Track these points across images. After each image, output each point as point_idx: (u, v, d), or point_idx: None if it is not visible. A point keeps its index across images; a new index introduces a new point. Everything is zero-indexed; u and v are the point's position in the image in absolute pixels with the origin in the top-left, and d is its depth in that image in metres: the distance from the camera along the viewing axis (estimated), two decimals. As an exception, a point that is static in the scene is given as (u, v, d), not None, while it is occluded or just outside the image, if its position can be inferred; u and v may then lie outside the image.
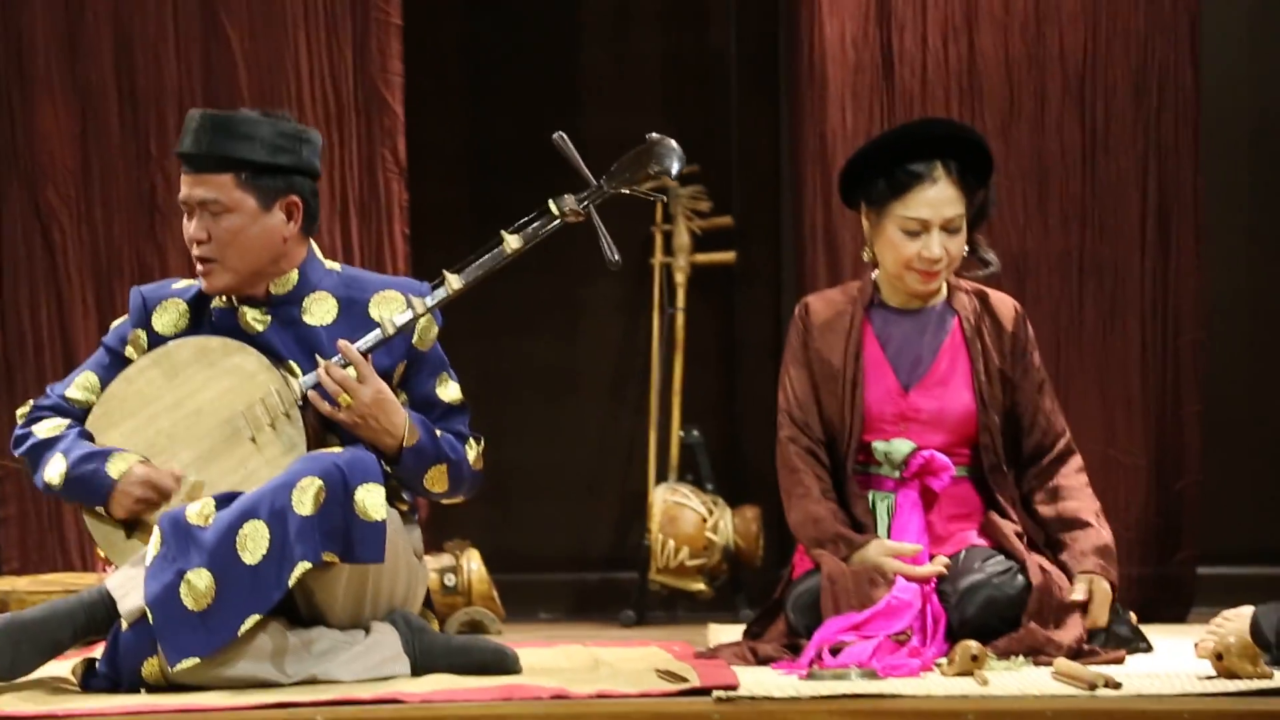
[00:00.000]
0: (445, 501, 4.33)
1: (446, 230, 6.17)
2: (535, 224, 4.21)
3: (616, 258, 4.17)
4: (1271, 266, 6.30)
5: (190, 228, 4.19)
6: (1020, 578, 4.35)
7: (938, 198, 4.44)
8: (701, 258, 6.25)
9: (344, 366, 4.11)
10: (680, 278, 6.21)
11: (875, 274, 4.62)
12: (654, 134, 4.25)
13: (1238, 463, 6.24)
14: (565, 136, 4.21)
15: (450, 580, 5.53)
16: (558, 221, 4.21)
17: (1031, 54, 5.80)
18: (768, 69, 6.31)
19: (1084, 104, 5.80)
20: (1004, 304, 4.62)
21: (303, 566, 3.91)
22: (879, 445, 4.50)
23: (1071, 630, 4.33)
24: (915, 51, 5.79)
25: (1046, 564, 4.40)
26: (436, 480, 4.20)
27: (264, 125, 4.17)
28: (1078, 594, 4.39)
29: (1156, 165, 5.79)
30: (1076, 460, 4.60)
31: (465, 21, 6.36)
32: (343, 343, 4.12)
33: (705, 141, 6.19)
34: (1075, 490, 4.56)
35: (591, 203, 4.21)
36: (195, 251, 4.20)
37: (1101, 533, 4.51)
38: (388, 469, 4.14)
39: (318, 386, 4.11)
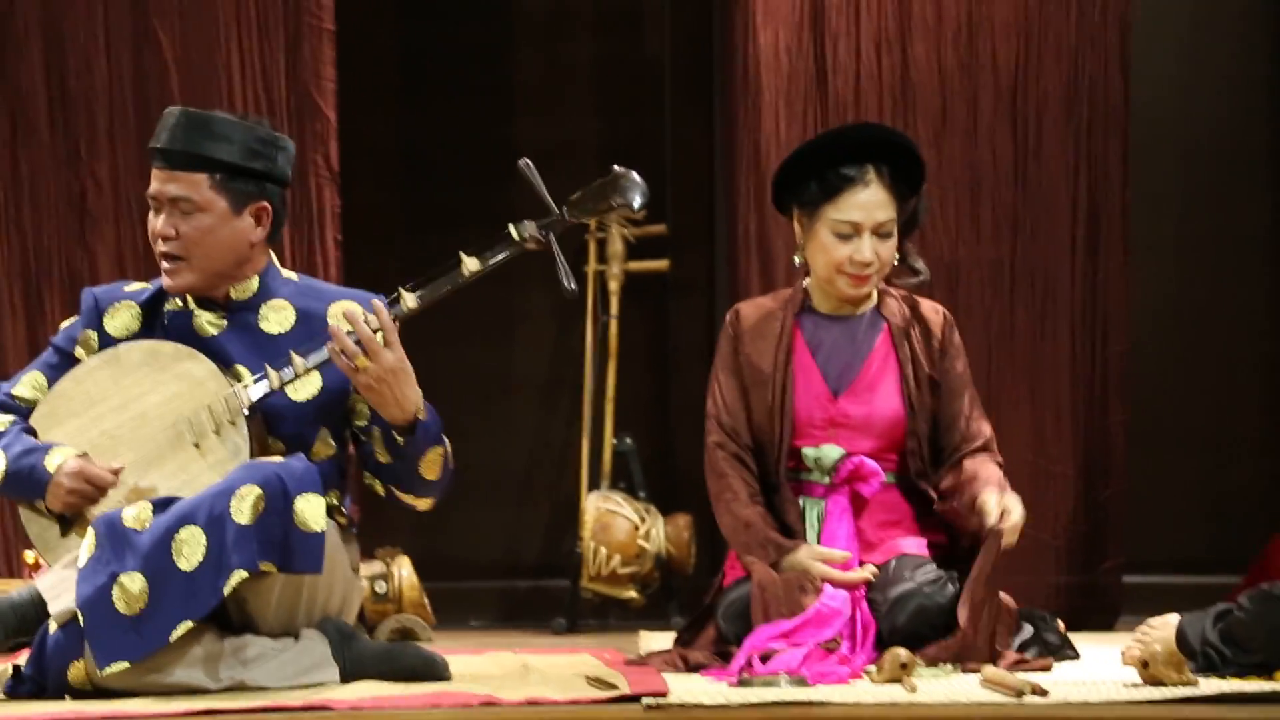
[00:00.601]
0: (421, 503, 4.28)
1: (379, 236, 6.15)
2: (495, 248, 4.20)
3: (573, 286, 4.18)
4: (1198, 276, 6.35)
5: (157, 223, 4.17)
6: (950, 587, 4.36)
7: (870, 201, 4.46)
8: (635, 265, 6.25)
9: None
10: (614, 285, 6.21)
11: (806, 281, 4.63)
12: (618, 166, 4.26)
13: (1163, 472, 6.29)
14: (530, 163, 4.21)
15: (381, 587, 5.52)
16: (517, 247, 4.20)
17: (964, 64, 5.83)
18: (702, 76, 6.32)
19: (1016, 114, 5.83)
20: (933, 312, 4.64)
21: (239, 575, 3.89)
22: (809, 451, 4.52)
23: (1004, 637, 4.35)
24: (849, 60, 5.81)
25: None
26: (431, 465, 4.18)
27: (241, 129, 4.18)
28: (990, 515, 4.32)
29: (1087, 175, 5.83)
30: (991, 454, 4.57)
31: (398, 26, 6.35)
32: (376, 302, 4.09)
33: (639, 148, 6.20)
34: (978, 463, 4.53)
35: (552, 231, 4.21)
36: (161, 248, 4.18)
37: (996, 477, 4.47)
38: (382, 458, 4.13)
39: (350, 335, 4.03)
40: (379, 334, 4.04)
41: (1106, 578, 5.79)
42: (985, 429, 4.60)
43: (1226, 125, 6.35)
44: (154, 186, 4.18)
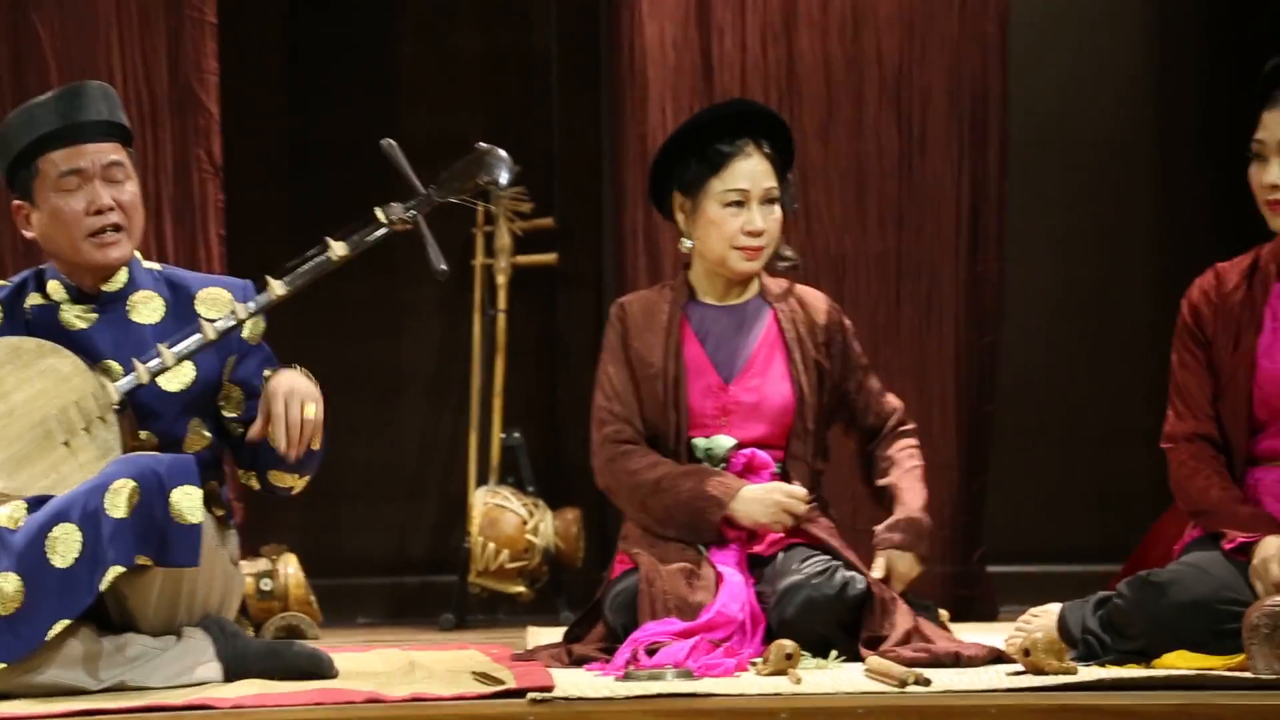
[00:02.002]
0: (298, 484, 4.24)
1: (263, 232, 6.11)
2: (362, 232, 4.17)
3: (444, 267, 4.16)
4: (1084, 269, 6.41)
5: (102, 196, 4.09)
6: (838, 576, 4.37)
7: (755, 170, 4.51)
8: (523, 259, 6.24)
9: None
10: (501, 279, 6.20)
11: (689, 273, 4.64)
12: (483, 144, 4.24)
13: (1048, 462, 6.35)
14: (394, 144, 4.19)
15: (266, 585, 5.48)
16: (385, 230, 4.18)
17: (849, 57, 5.86)
18: (589, 70, 6.32)
19: (900, 107, 5.87)
20: (816, 297, 4.67)
21: (115, 570, 3.85)
22: (699, 443, 4.52)
23: (901, 622, 4.38)
24: (734, 54, 5.83)
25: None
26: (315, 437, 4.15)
27: (120, 103, 4.17)
28: (876, 570, 4.42)
29: (969, 169, 5.87)
30: (908, 433, 4.65)
31: (283, 20, 6.31)
32: (271, 281, 4.05)
33: (526, 142, 6.18)
34: (897, 462, 4.59)
35: (419, 212, 4.19)
36: (108, 219, 4.10)
37: (912, 506, 4.54)
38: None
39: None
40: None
41: (977, 567, 5.85)
42: (894, 402, 4.68)
43: (1109, 119, 6.42)
44: (84, 160, 4.10)
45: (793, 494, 4.43)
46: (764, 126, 4.56)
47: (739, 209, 4.51)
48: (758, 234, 4.51)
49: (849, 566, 4.34)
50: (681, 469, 4.48)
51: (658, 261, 5.75)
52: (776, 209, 4.55)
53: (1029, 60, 6.28)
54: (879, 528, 4.52)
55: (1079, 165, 6.43)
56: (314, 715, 3.68)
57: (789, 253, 4.63)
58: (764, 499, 4.42)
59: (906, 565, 4.49)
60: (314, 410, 4.05)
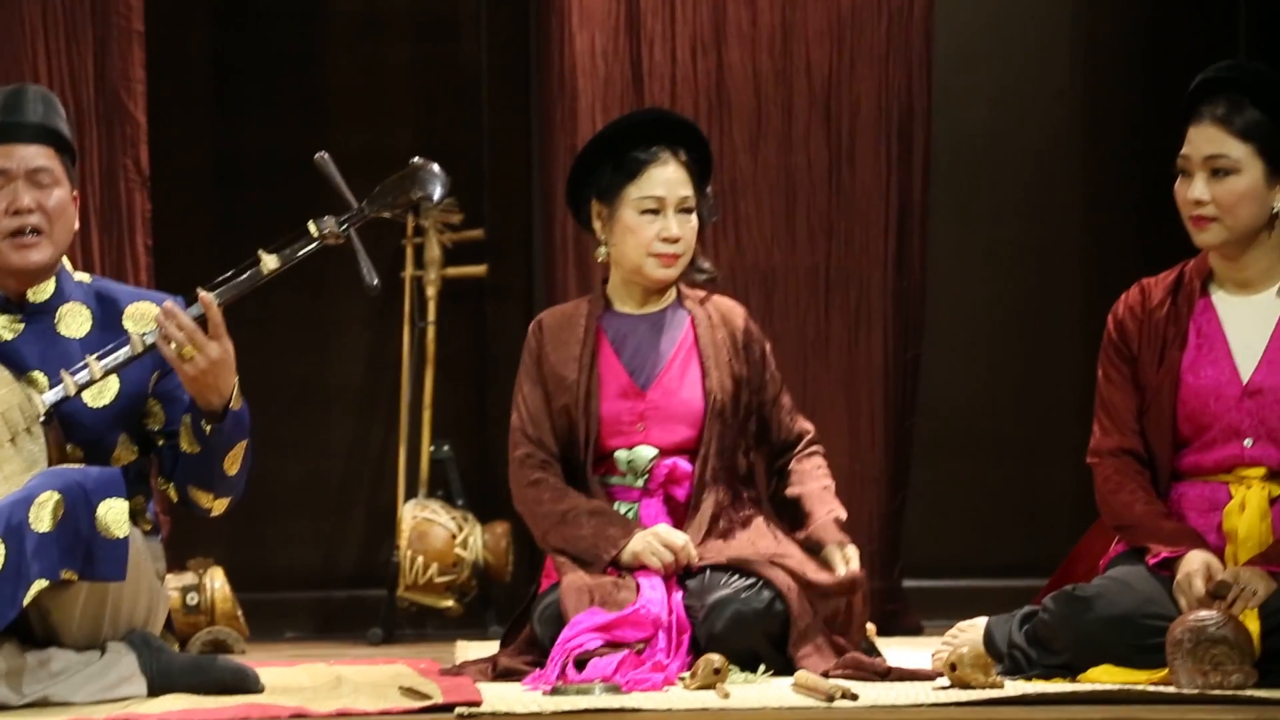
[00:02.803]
0: (217, 504, 4.22)
1: (190, 242, 6.07)
2: (294, 245, 4.15)
3: (375, 282, 4.15)
4: (999, 285, 6.44)
5: (22, 197, 4.06)
6: (767, 591, 4.37)
7: (671, 177, 4.53)
8: (452, 271, 6.22)
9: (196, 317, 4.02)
10: (431, 291, 6.18)
11: (606, 284, 4.65)
12: (417, 158, 4.24)
13: (974, 477, 6.38)
14: (327, 157, 4.17)
15: (193, 599, 5.44)
16: (317, 243, 4.16)
17: (779, 70, 5.87)
18: (519, 81, 6.31)
19: (830, 119, 5.88)
20: (731, 306, 4.70)
21: (39, 584, 3.83)
22: (621, 454, 4.53)
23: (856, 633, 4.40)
24: (665, 65, 5.83)
25: (789, 579, 4.41)
26: (235, 459, 4.12)
27: (63, 112, 4.13)
28: (839, 567, 4.43)
29: (896, 182, 5.89)
30: (817, 449, 4.67)
31: (210, 29, 6.27)
32: (204, 295, 4.02)
33: (456, 154, 6.15)
34: (809, 474, 4.61)
35: (352, 226, 4.18)
36: (28, 221, 4.07)
37: (835, 508, 4.57)
38: (188, 447, 4.07)
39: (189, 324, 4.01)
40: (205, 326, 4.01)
41: (898, 581, 5.87)
42: (805, 423, 4.69)
43: (1036, 134, 6.45)
44: (9, 161, 4.09)
45: (669, 542, 4.40)
46: (682, 136, 4.58)
47: (655, 216, 4.53)
48: (674, 241, 4.52)
49: (768, 586, 4.33)
50: (587, 506, 4.48)
51: (587, 273, 5.75)
52: (693, 218, 4.56)
53: (957, 75, 6.31)
54: (814, 528, 4.52)
55: (1007, 180, 6.46)
56: (239, 731, 3.66)
57: (706, 265, 4.65)
58: (639, 542, 4.41)
59: (854, 552, 4.50)
60: (215, 350, 4.00)
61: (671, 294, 4.65)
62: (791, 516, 4.61)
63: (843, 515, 4.60)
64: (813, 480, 4.63)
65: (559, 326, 4.64)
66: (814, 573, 4.39)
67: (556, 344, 4.61)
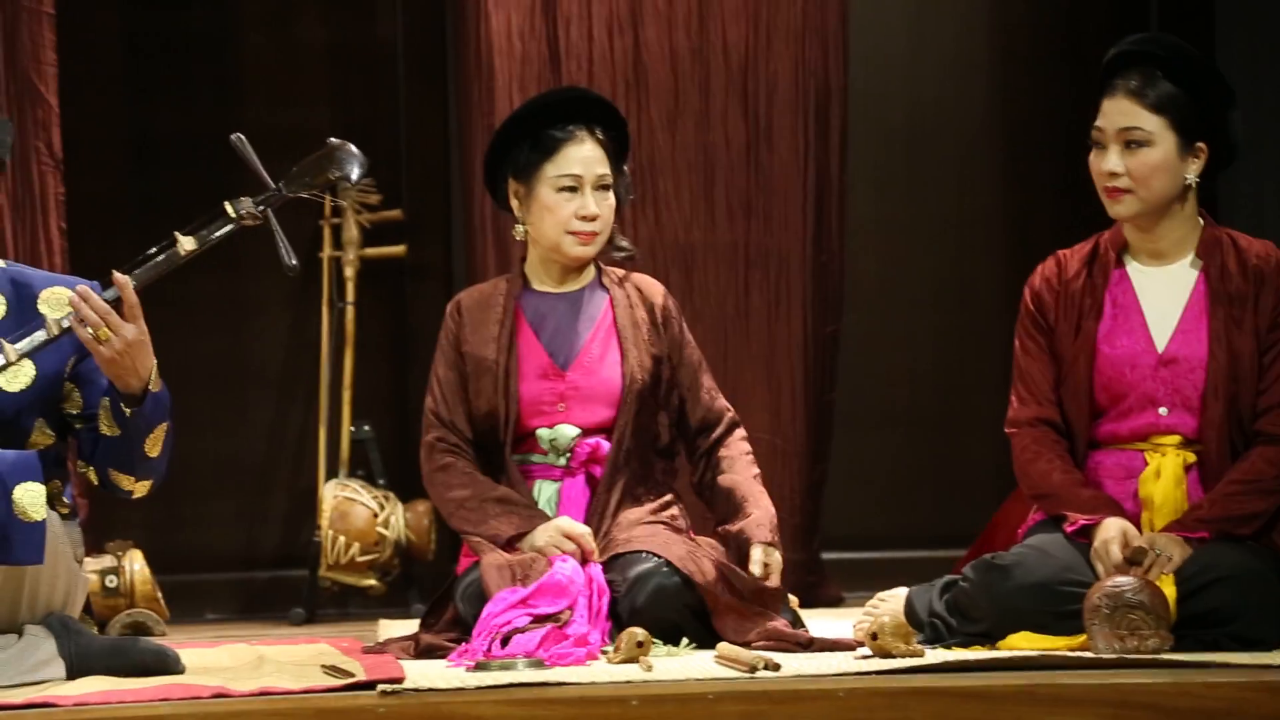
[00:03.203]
0: (139, 487, 4.19)
1: (105, 225, 6.03)
2: (210, 226, 4.13)
3: (294, 262, 4.13)
4: (917, 260, 6.48)
5: None
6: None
7: (588, 156, 4.53)
8: (371, 251, 6.20)
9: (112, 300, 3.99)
10: (350, 272, 6.16)
11: (524, 263, 4.65)
12: (334, 139, 4.22)
13: (895, 448, 6.42)
14: (243, 138, 4.15)
15: (112, 582, 5.41)
16: (234, 225, 4.14)
17: (695, 48, 5.87)
18: (435, 60, 6.30)
19: (747, 97, 5.89)
20: (650, 284, 4.70)
21: (-45, 570, 3.80)
22: (544, 432, 4.53)
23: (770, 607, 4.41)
24: (581, 44, 5.83)
25: (708, 561, 4.41)
26: (156, 442, 4.09)
27: None
28: (755, 566, 4.45)
29: (814, 159, 5.91)
30: (741, 434, 4.67)
31: (122, 10, 6.22)
32: (119, 277, 3.99)
33: (373, 134, 6.15)
34: (733, 461, 4.61)
35: (269, 207, 4.16)
36: None
37: (767, 505, 4.58)
38: (108, 430, 4.05)
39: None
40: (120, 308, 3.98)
41: (818, 553, 5.90)
42: (724, 402, 4.68)
43: (951, 110, 6.49)
44: None
45: (570, 532, 4.41)
46: (599, 114, 4.59)
47: (572, 194, 4.53)
48: (591, 219, 4.52)
49: (676, 572, 4.33)
50: (493, 494, 4.48)
51: (506, 253, 5.74)
52: (611, 196, 4.56)
53: (873, 52, 6.34)
54: (746, 523, 4.53)
55: (925, 156, 6.49)
56: (159, 711, 3.64)
57: (625, 243, 4.66)
58: (542, 534, 4.41)
59: (778, 560, 4.51)
60: (130, 332, 3.97)
61: (590, 273, 4.65)
62: (723, 505, 4.60)
63: (773, 514, 4.59)
64: (743, 469, 4.62)
65: (477, 307, 4.63)
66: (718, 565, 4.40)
67: (475, 324, 4.61)
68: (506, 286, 4.64)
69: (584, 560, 4.39)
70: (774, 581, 4.45)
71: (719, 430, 4.65)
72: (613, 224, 4.60)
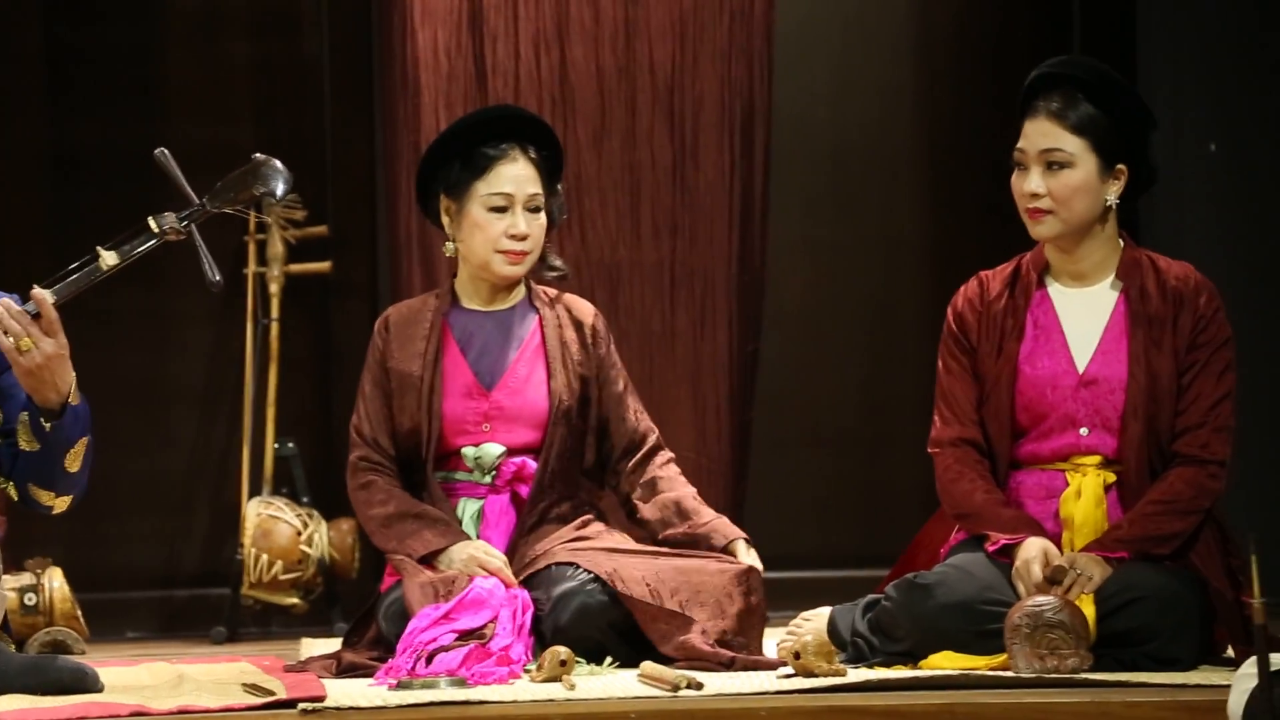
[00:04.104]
0: (59, 502, 4.15)
1: (27, 238, 5.99)
2: (134, 241, 4.11)
3: (218, 278, 4.11)
4: (840, 280, 6.50)
5: None
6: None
7: (520, 174, 4.53)
8: (296, 267, 6.18)
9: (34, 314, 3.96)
10: (274, 288, 6.13)
11: (454, 280, 4.65)
12: (259, 154, 4.21)
13: (817, 469, 6.44)
14: (167, 153, 4.13)
15: (30, 600, 5.36)
16: (157, 240, 4.12)
17: (622, 66, 5.88)
18: (361, 77, 6.28)
19: (673, 116, 5.90)
20: (581, 304, 4.69)
21: None
22: (469, 451, 4.52)
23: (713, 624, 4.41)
24: (508, 61, 5.82)
25: (635, 572, 4.42)
26: (76, 457, 4.06)
27: None
28: (744, 557, 4.48)
29: (739, 178, 5.93)
30: (667, 455, 4.67)
31: (44, 23, 6.18)
32: (38, 292, 3.96)
33: (299, 150, 6.12)
34: (672, 480, 4.62)
35: (193, 222, 4.14)
36: None
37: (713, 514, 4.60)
38: (27, 445, 4.02)
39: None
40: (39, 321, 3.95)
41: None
42: (649, 422, 4.67)
43: (875, 130, 6.52)
44: None
45: (487, 566, 4.40)
46: (532, 133, 4.58)
47: (502, 213, 4.52)
48: (521, 238, 4.52)
49: (601, 590, 4.33)
50: (412, 510, 4.47)
51: (432, 269, 5.73)
52: (542, 216, 4.56)
53: (798, 72, 6.36)
54: (716, 522, 4.57)
55: (849, 175, 6.52)
56: (78, 730, 3.62)
57: (558, 262, 4.66)
58: (460, 553, 4.40)
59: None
60: (50, 346, 3.95)
61: (520, 292, 4.65)
62: (669, 518, 4.59)
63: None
64: (682, 487, 4.64)
65: (405, 323, 4.62)
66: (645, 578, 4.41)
67: (402, 340, 4.60)
68: (435, 303, 4.63)
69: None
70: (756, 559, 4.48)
71: (643, 451, 4.65)
72: (545, 243, 4.60)
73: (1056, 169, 4.26)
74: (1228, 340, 4.30)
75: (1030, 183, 4.28)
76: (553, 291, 4.68)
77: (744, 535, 4.59)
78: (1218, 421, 4.25)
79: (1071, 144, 4.26)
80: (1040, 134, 4.27)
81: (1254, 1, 6.47)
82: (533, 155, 4.55)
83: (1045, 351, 4.32)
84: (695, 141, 5.91)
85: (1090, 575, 4.10)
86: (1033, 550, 4.14)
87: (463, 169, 4.55)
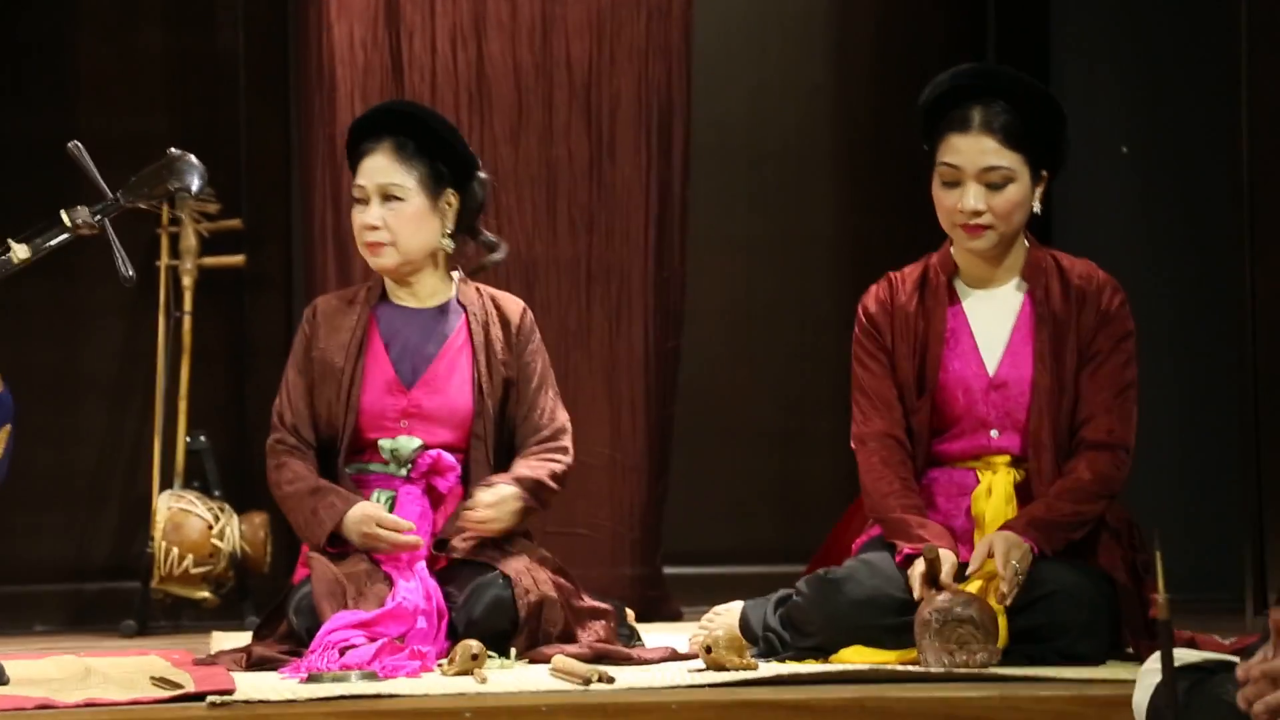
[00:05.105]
0: None
1: (-64, 232, 5.92)
2: (46, 234, 4.08)
3: (130, 273, 4.10)
4: (768, 275, 6.52)
5: None
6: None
7: (376, 165, 4.51)
8: (209, 261, 6.14)
9: None
10: (187, 281, 6.09)
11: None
12: (174, 149, 4.19)
13: (734, 465, 6.45)
14: (81, 146, 4.11)
15: (-63, 592, 5.32)
16: (69, 234, 4.09)
17: (539, 63, 5.87)
18: (277, 70, 6.25)
19: (590, 113, 5.90)
20: (510, 303, 4.68)
21: None
22: (385, 443, 4.50)
23: (593, 629, 4.40)
24: (424, 56, 5.81)
25: (544, 574, 4.41)
26: None
27: None
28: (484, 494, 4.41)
29: (656, 175, 5.93)
30: (557, 446, 4.58)
31: (-49, 14, 6.13)
32: None
33: (213, 143, 6.07)
34: (528, 460, 4.55)
35: (106, 216, 4.11)
36: None
37: (525, 476, 4.49)
38: None
39: None
40: None
41: (657, 569, 5.92)
42: (562, 422, 4.62)
43: (791, 130, 6.54)
44: None
45: (389, 525, 4.38)
46: (410, 126, 4.54)
47: (364, 206, 4.54)
48: (371, 228, 4.52)
49: (509, 585, 4.32)
50: (310, 486, 4.46)
51: (346, 262, 5.71)
52: (404, 205, 4.51)
53: (715, 70, 6.38)
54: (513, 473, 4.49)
55: (765, 173, 6.54)
56: (-17, 723, 3.59)
57: (493, 238, 4.66)
58: (360, 524, 4.39)
59: (499, 501, 4.43)
60: None
61: (450, 290, 4.63)
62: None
63: (530, 475, 4.50)
64: (535, 465, 4.53)
65: (333, 312, 4.61)
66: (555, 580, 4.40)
67: (329, 329, 4.59)
68: (365, 296, 4.62)
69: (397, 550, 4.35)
70: (478, 517, 4.37)
71: (535, 440, 4.59)
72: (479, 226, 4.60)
73: (997, 186, 4.24)
74: (1130, 334, 4.31)
75: (970, 200, 4.22)
76: (489, 290, 4.67)
77: (492, 484, 4.43)
78: (1121, 410, 4.26)
79: (1010, 159, 4.22)
80: (978, 151, 4.21)
81: (1165, 1, 6.53)
82: (408, 148, 4.51)
83: (955, 355, 4.33)
84: (612, 138, 5.91)
85: (1012, 560, 4.07)
86: (932, 551, 4.11)
87: (351, 168, 4.56)
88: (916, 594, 4.06)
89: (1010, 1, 6.60)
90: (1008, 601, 4.04)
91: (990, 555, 4.09)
